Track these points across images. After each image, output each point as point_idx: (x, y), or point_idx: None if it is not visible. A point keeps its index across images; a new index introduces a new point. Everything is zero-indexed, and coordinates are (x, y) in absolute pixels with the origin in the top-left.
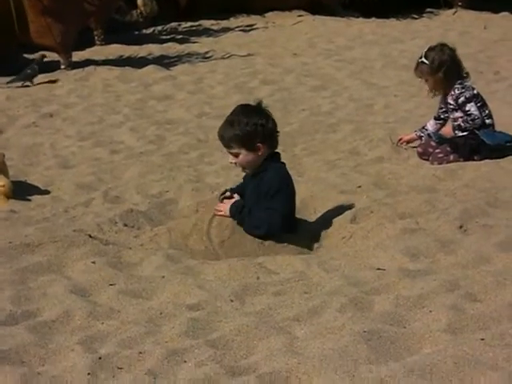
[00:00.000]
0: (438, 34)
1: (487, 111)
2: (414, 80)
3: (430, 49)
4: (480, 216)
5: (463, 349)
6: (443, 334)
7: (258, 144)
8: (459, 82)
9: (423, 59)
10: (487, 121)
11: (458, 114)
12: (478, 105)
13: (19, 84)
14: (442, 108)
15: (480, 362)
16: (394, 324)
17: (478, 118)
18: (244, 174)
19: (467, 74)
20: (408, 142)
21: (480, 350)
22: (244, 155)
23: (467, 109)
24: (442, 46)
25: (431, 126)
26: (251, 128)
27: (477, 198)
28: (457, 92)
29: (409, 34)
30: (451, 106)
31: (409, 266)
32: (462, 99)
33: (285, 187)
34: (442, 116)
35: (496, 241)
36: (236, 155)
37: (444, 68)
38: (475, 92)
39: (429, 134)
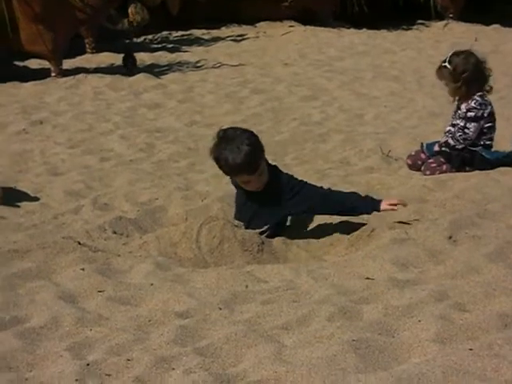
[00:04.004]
0: (428, 46)
1: (492, 134)
2: (405, 91)
3: (455, 54)
4: (469, 227)
5: (451, 358)
6: (432, 343)
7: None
8: (479, 94)
9: (446, 64)
10: (487, 142)
11: (460, 123)
12: (487, 125)
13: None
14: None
15: (468, 372)
16: (383, 333)
17: (470, 139)
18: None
19: (490, 87)
20: None
21: (468, 360)
22: (265, 169)
23: (468, 126)
24: (469, 54)
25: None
26: (254, 138)
27: (466, 209)
28: (472, 105)
29: (400, 45)
30: (461, 113)
31: (398, 275)
32: (471, 114)
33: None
34: None
35: (485, 251)
36: (261, 173)
37: (465, 76)
38: (490, 111)
39: (422, 146)
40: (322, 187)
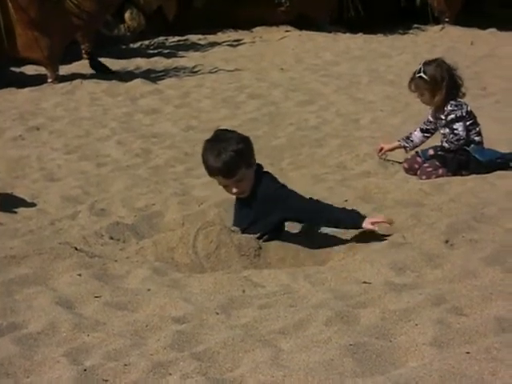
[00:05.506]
0: (424, 50)
1: (477, 128)
2: (400, 95)
3: (427, 63)
4: (466, 230)
5: (449, 362)
6: (429, 347)
7: (253, 158)
8: (453, 98)
9: (422, 74)
10: (476, 138)
11: (447, 130)
12: (469, 123)
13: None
14: (430, 122)
15: (465, 376)
16: (380, 337)
17: (463, 139)
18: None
19: (464, 94)
20: (390, 150)
21: (465, 364)
22: (247, 176)
23: (455, 127)
24: (440, 62)
25: (417, 138)
26: (242, 145)
27: (463, 213)
28: (449, 108)
29: (396, 49)
30: (443, 122)
31: (395, 279)
32: (451, 116)
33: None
34: (429, 129)
35: (482, 255)
36: (240, 180)
37: (443, 84)
38: (468, 109)
39: (417, 152)
40: (310, 198)
